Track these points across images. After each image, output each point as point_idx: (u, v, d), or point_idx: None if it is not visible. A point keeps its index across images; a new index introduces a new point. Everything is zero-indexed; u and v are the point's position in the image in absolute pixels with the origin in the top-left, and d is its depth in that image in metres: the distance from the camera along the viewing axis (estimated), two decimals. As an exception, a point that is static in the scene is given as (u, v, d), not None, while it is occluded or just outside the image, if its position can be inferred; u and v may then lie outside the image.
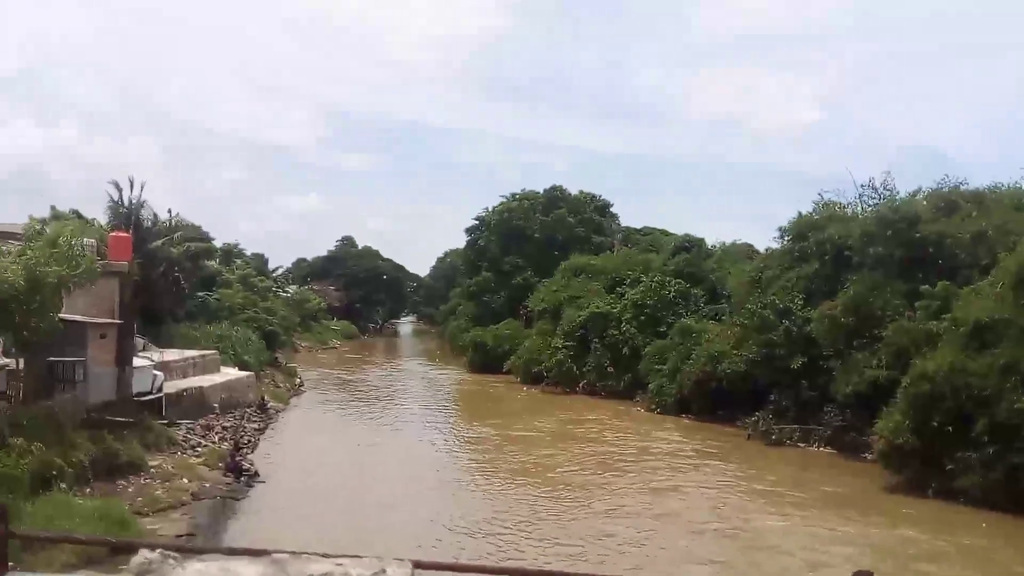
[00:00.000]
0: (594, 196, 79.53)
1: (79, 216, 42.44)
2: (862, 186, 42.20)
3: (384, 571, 1.83)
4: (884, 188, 41.23)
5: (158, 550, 1.91)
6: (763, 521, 24.55)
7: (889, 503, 26.52)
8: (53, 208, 46.06)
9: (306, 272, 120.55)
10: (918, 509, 25.61)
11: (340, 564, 1.82)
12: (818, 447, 35.00)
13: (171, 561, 1.80)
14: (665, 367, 45.10)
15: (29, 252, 21.73)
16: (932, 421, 26.64)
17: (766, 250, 48.37)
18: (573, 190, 79.17)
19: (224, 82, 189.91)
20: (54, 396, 23.95)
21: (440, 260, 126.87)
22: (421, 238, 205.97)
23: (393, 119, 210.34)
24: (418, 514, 23.47)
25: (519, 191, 78.87)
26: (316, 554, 2.14)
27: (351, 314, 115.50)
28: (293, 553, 1.92)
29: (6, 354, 24.16)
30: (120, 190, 42.70)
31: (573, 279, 59.62)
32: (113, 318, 27.20)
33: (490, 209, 78.96)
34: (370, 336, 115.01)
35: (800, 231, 41.08)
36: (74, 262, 22.72)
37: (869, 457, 30.84)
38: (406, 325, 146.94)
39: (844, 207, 42.05)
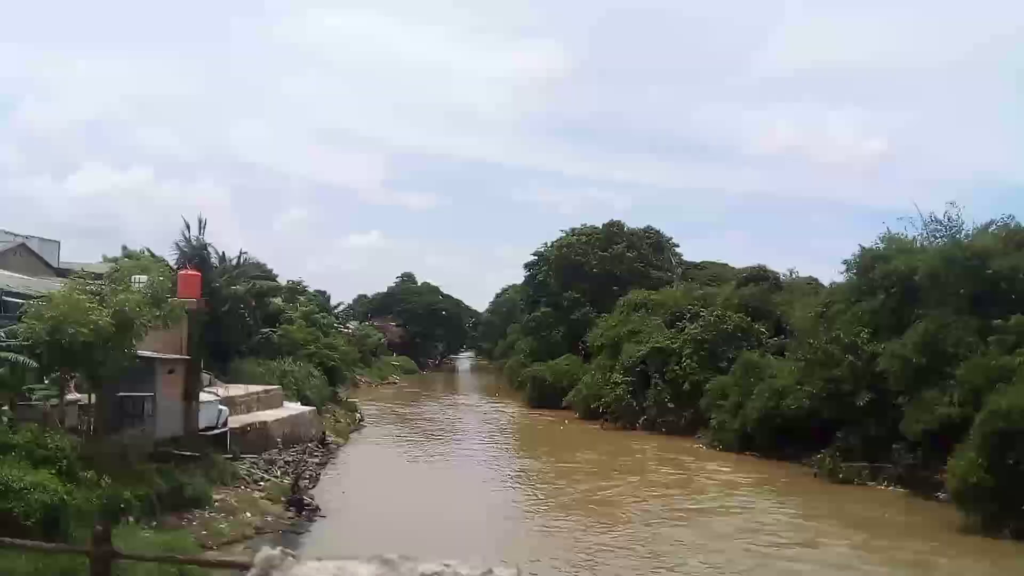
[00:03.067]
0: (653, 230, 79.31)
1: (152, 255, 43.72)
2: (929, 218, 40.91)
3: (491, 571, 1.89)
4: (950, 221, 39.90)
5: (279, 547, 2.01)
6: (827, 554, 24.13)
7: (960, 541, 25.66)
8: (125, 248, 47.67)
9: (366, 308, 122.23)
10: (991, 547, 24.73)
11: (448, 564, 1.89)
12: (887, 486, 33.95)
13: (291, 558, 1.89)
14: (727, 403, 44.38)
15: (122, 295, 22.57)
16: (1008, 459, 25.72)
17: (831, 284, 47.53)
18: (634, 226, 79.16)
19: (290, 126, 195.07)
20: (123, 430, 24.51)
21: (498, 296, 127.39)
22: (480, 274, 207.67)
23: (455, 159, 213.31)
24: (482, 550, 23.35)
25: (578, 226, 79.07)
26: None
27: (410, 349, 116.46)
28: (401, 556, 2.01)
29: (78, 389, 24.86)
30: (189, 230, 44.11)
31: (632, 314, 59.21)
32: (181, 354, 27.82)
33: (549, 244, 79.19)
34: (429, 371, 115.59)
35: (865, 264, 40.22)
36: (162, 304, 23.70)
37: (942, 497, 29.82)
38: (464, 360, 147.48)
39: (911, 240, 40.99)
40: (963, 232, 38.30)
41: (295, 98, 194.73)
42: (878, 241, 41.18)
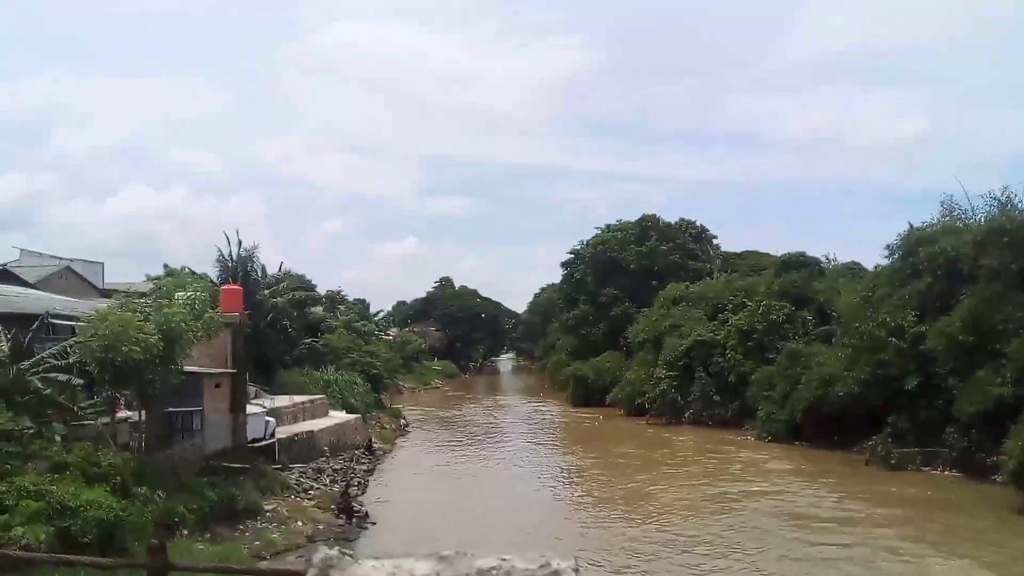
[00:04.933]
0: (690, 222, 78.65)
1: (192, 272, 44.26)
2: (988, 196, 39.06)
3: (549, 564, 1.83)
4: (1006, 198, 37.56)
5: (336, 547, 1.99)
6: (881, 537, 23.90)
7: (1019, 521, 25.12)
8: (166, 266, 48.26)
9: (406, 314, 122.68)
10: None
11: (505, 559, 1.83)
12: (942, 470, 33.32)
13: (348, 558, 1.86)
14: (774, 393, 43.85)
15: (168, 311, 22.95)
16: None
17: (875, 267, 46.70)
18: (671, 219, 78.56)
19: (323, 139, 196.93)
20: (174, 445, 24.85)
21: (537, 296, 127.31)
22: (518, 275, 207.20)
23: (486, 162, 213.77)
24: (535, 546, 23.23)
25: (613, 222, 78.66)
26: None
27: (451, 353, 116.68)
28: (458, 551, 1.96)
29: (128, 407, 25.24)
30: (229, 244, 44.59)
31: (672, 308, 58.73)
32: (226, 367, 28.13)
33: (584, 242, 78.91)
34: (471, 375, 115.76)
35: (910, 246, 39.44)
36: (204, 315, 24.09)
37: (999, 479, 29.18)
38: (506, 362, 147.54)
39: (961, 219, 39.88)
40: (1016, 210, 36.71)
41: (326, 111, 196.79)
42: (928, 219, 40.25)
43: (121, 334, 21.11)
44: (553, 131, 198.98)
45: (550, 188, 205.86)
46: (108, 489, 18.72)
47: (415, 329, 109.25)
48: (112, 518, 17.42)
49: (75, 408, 22.07)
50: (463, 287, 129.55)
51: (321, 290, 69.21)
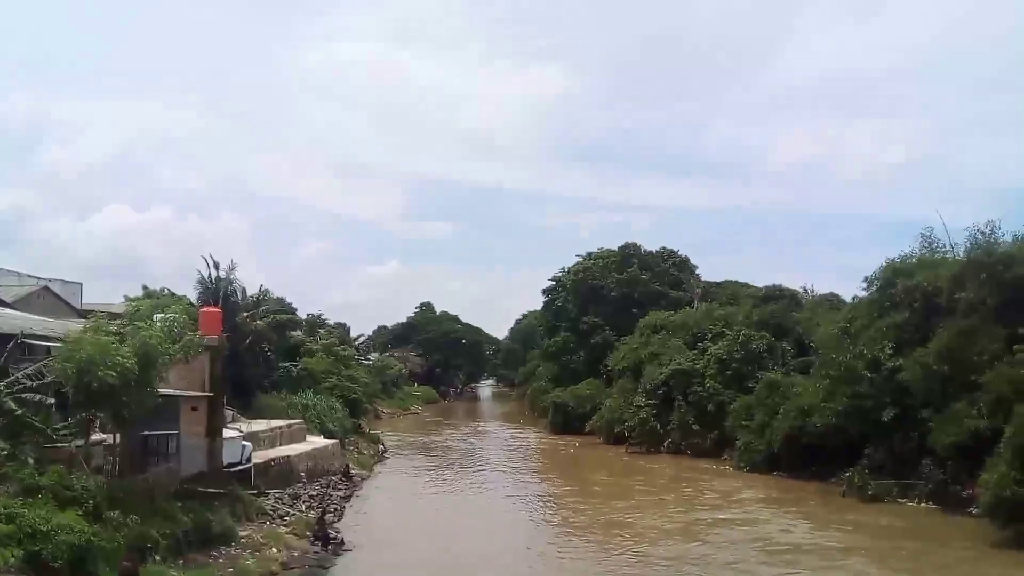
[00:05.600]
0: (671, 251, 79.23)
1: (172, 294, 44.05)
2: (971, 229, 38.49)
3: None
4: (989, 230, 37.33)
5: None
6: (854, 570, 23.90)
7: (993, 555, 25.25)
8: (145, 288, 47.98)
9: (386, 339, 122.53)
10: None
11: None
12: (919, 502, 33.44)
13: None
14: (752, 423, 43.98)
15: (144, 332, 22.81)
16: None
17: (853, 299, 47.10)
18: (654, 247, 79.18)
19: (308, 160, 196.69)
20: (148, 469, 24.58)
21: (518, 322, 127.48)
22: (500, 301, 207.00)
23: (472, 186, 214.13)
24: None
25: (595, 250, 79.06)
26: None
27: (431, 379, 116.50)
28: None
29: (103, 429, 24.97)
30: (209, 267, 44.43)
31: (653, 336, 58.95)
32: (203, 391, 27.92)
33: (566, 269, 79.22)
34: (451, 400, 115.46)
35: (888, 279, 39.85)
36: (182, 338, 23.99)
37: (975, 511, 29.34)
38: (486, 388, 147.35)
39: (944, 252, 40.36)
40: (998, 244, 36.69)
41: (312, 131, 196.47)
42: (903, 255, 40.67)
43: (96, 358, 20.94)
44: (537, 156, 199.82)
45: (534, 213, 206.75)
46: (80, 513, 18.47)
47: (395, 354, 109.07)
48: (83, 542, 17.17)
49: (48, 430, 21.79)
50: (444, 313, 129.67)
51: (302, 313, 69.11)
